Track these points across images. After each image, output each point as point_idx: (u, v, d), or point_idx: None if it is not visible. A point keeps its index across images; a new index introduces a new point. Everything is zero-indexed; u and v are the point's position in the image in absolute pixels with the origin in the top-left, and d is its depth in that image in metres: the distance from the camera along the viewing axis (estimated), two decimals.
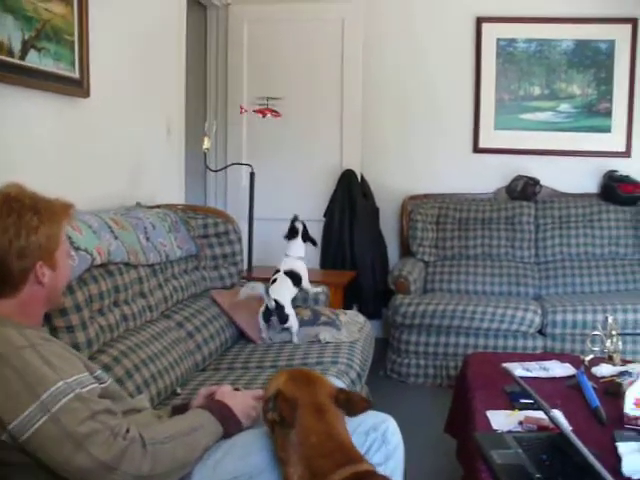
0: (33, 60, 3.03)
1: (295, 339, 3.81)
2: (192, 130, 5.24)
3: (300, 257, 4.17)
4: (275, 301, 3.75)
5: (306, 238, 4.26)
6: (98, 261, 2.82)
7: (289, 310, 3.79)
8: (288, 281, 3.98)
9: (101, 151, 3.74)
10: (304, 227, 4.29)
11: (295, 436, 1.91)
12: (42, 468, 1.78)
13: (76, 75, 3.37)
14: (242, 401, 2.21)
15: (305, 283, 4.15)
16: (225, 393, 2.25)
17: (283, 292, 3.86)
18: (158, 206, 4.06)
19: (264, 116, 5.45)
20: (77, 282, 2.67)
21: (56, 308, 2.41)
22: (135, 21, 4.09)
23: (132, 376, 2.73)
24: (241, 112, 5.45)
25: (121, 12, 3.92)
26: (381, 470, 2.05)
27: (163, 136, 4.56)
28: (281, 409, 1.91)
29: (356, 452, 1.95)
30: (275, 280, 3.97)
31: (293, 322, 3.80)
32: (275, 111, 5.44)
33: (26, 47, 2.97)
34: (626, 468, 2.15)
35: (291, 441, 1.91)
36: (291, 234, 4.26)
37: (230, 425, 2.11)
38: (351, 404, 2.03)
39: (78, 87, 3.41)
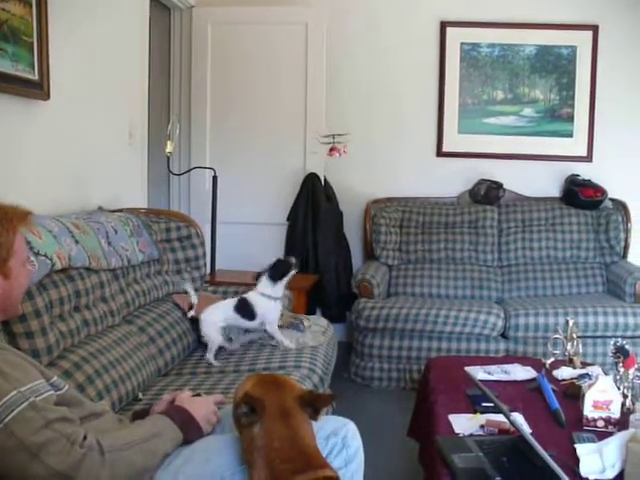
0: None
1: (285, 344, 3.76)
2: (155, 134, 5.21)
3: (263, 294, 3.78)
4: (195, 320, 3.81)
5: (276, 277, 3.80)
6: (58, 266, 2.79)
7: (210, 335, 3.67)
8: (223, 309, 3.78)
9: (62, 155, 3.71)
10: (274, 265, 3.86)
11: (260, 440, 1.91)
12: None
13: (35, 77, 3.33)
14: (202, 406, 2.20)
15: (270, 327, 3.80)
16: (184, 399, 2.24)
17: (207, 317, 3.73)
18: (120, 210, 4.04)
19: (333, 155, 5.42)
20: (37, 287, 2.64)
21: (13, 317, 2.37)
22: (97, 23, 4.05)
23: (93, 382, 2.71)
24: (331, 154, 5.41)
25: (83, 14, 3.87)
26: (341, 474, 2.05)
27: (125, 139, 4.52)
28: (252, 404, 1.93)
29: (319, 458, 1.94)
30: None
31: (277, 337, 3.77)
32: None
33: None
34: (584, 469, 2.18)
35: (257, 445, 1.90)
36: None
37: (190, 431, 2.10)
38: (318, 400, 2.04)
39: (38, 89, 3.36)
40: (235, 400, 2.02)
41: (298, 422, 1.96)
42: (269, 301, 3.78)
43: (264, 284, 3.80)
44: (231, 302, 3.80)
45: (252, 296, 3.81)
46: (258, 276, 3.85)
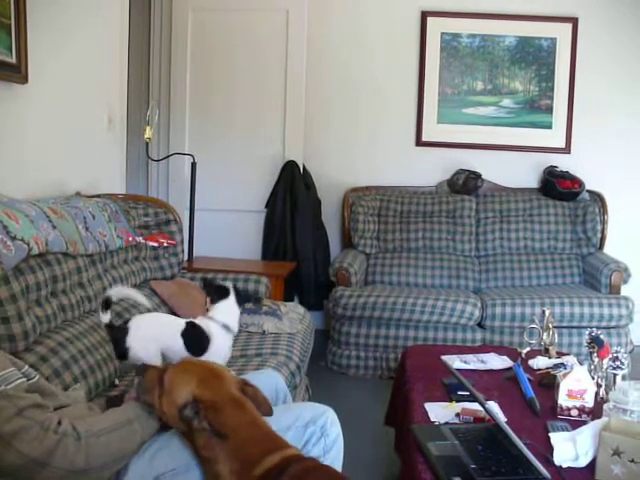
0: None
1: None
2: (134, 119, 5.19)
3: (225, 324, 2.90)
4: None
5: (241, 302, 3.02)
6: (35, 251, 2.77)
7: (141, 356, 2.72)
8: (165, 327, 2.91)
9: (39, 139, 3.68)
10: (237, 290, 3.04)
11: (222, 433, 1.89)
12: None
13: (13, 60, 3.30)
14: None
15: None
16: None
17: (143, 331, 2.80)
18: (98, 195, 4.02)
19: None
20: (13, 272, 2.61)
21: None
22: (76, 6, 4.02)
23: (70, 367, 2.70)
24: None
25: None
26: None
27: (104, 124, 4.49)
28: (210, 420, 1.89)
29: (280, 439, 1.96)
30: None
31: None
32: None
33: None
34: (557, 457, 2.20)
35: (217, 439, 1.89)
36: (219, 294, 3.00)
37: None
38: (256, 402, 2.03)
39: (15, 72, 3.34)
40: (179, 401, 1.95)
41: (251, 407, 1.99)
42: (227, 335, 2.91)
43: (227, 310, 2.94)
44: (176, 323, 2.91)
45: (208, 325, 2.89)
46: (210, 291, 3.00)
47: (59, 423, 1.78)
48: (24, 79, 3.40)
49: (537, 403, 2.72)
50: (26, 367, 1.99)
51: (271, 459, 1.84)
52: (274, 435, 1.96)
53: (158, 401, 2.00)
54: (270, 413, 2.06)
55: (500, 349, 3.75)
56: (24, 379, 1.87)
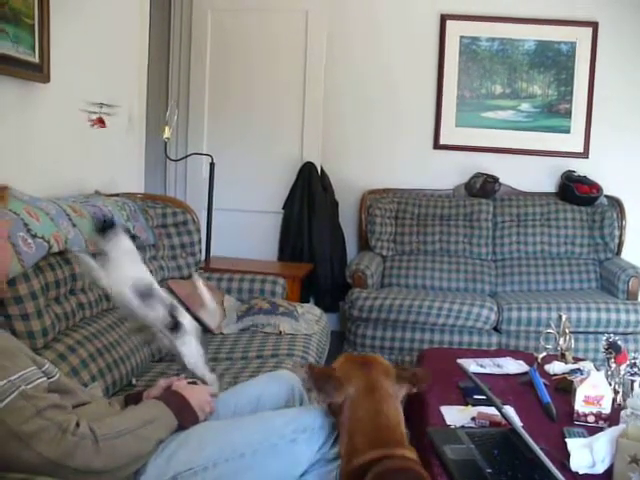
0: None
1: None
2: (153, 119, 5.21)
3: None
4: None
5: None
6: (56, 248, 2.79)
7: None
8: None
9: (59, 138, 3.70)
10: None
11: (345, 413, 2.01)
12: None
13: (36, 60, 3.32)
14: (198, 395, 2.21)
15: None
16: (181, 386, 2.24)
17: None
18: (117, 194, 4.04)
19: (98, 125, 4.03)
20: (33, 270, 2.64)
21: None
22: (98, 7, 4.05)
23: (87, 365, 2.72)
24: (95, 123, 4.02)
25: None
26: (338, 463, 2.07)
27: (124, 124, 4.51)
28: (315, 378, 2.04)
29: (398, 435, 2.00)
30: None
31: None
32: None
33: None
34: (574, 464, 2.19)
35: (342, 418, 2.02)
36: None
37: (185, 416, 2.11)
38: (416, 378, 2.15)
39: (38, 72, 3.36)
40: (319, 372, 2.10)
41: (383, 396, 2.04)
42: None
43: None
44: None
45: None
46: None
47: (77, 425, 1.79)
48: (46, 78, 3.42)
49: (553, 408, 2.72)
50: (47, 365, 1.99)
51: (374, 453, 1.89)
52: (391, 429, 1.99)
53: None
54: (430, 378, 2.22)
55: (516, 353, 3.74)
56: (44, 378, 1.87)
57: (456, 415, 2.67)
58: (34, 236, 2.65)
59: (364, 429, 1.96)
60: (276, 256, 5.79)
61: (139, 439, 1.93)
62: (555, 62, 5.95)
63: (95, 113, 3.94)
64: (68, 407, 1.89)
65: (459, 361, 3.28)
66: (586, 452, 2.22)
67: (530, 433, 2.19)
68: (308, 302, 5.24)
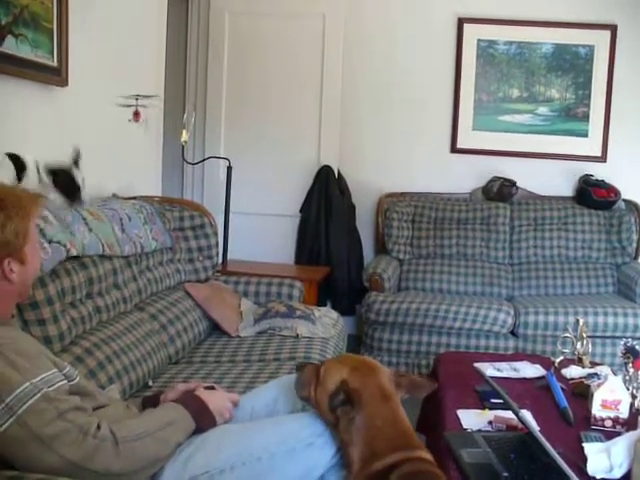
0: (10, 46, 3.00)
1: None
2: (170, 122, 5.22)
3: None
4: None
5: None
6: (73, 253, 2.80)
7: None
8: None
9: (78, 141, 3.70)
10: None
11: (361, 420, 2.01)
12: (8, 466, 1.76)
13: (54, 63, 3.35)
14: (218, 400, 2.21)
15: None
16: (201, 390, 2.25)
17: None
18: (134, 198, 4.04)
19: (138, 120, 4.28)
20: (49, 275, 2.64)
21: (24, 300, 2.37)
22: (116, 11, 4.06)
23: (104, 368, 2.72)
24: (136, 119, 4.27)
25: (102, 1, 3.89)
26: None
27: (141, 127, 4.53)
28: (352, 407, 2.02)
29: (416, 439, 2.05)
30: None
31: None
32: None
33: (3, 33, 2.94)
34: (591, 468, 2.18)
35: (356, 425, 2.01)
36: None
37: (203, 420, 2.11)
38: (415, 386, 2.18)
39: (56, 75, 3.38)
40: (329, 387, 2.09)
41: (397, 404, 2.08)
42: None
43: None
44: None
45: None
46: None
47: (98, 427, 1.80)
48: (64, 82, 3.45)
49: (570, 413, 2.71)
50: (67, 368, 2.00)
51: (395, 456, 1.93)
52: (409, 434, 2.04)
53: (313, 393, 2.13)
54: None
55: (533, 357, 3.72)
56: (65, 381, 1.88)
57: (473, 419, 2.66)
58: (50, 241, 2.65)
59: (386, 435, 1.99)
60: (293, 259, 5.80)
61: (158, 442, 1.93)
62: (573, 65, 5.92)
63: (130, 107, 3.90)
64: (89, 409, 1.89)
65: (476, 365, 3.27)
66: (603, 457, 2.21)
67: (547, 437, 2.18)
68: (325, 305, 5.24)
